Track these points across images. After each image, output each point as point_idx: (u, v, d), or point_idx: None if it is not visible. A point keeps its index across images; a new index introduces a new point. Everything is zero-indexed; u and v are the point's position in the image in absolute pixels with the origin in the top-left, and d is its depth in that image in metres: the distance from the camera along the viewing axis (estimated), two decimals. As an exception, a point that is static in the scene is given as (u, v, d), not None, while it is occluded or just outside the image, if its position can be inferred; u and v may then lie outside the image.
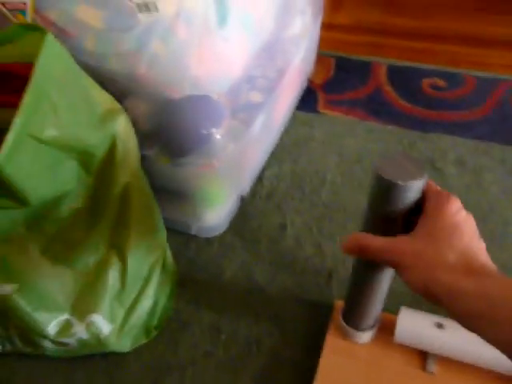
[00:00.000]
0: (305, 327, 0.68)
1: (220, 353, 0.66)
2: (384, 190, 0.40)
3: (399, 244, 0.39)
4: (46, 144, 0.47)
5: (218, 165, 0.71)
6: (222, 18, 0.55)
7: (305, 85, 1.14)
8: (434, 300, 0.35)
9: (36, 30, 0.47)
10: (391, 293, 0.71)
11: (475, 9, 1.68)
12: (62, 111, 0.47)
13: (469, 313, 0.33)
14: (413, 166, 0.40)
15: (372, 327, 0.62)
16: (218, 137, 0.67)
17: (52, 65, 0.45)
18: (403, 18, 1.62)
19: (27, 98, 0.43)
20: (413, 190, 0.40)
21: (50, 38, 0.45)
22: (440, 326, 0.60)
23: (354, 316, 0.61)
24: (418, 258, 0.36)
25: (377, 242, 0.40)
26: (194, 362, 0.66)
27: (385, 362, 0.62)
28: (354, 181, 0.90)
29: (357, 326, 0.61)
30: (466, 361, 0.60)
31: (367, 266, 0.52)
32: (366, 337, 0.63)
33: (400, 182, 0.39)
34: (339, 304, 0.66)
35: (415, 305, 0.70)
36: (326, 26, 1.57)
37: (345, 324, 0.62)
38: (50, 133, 0.47)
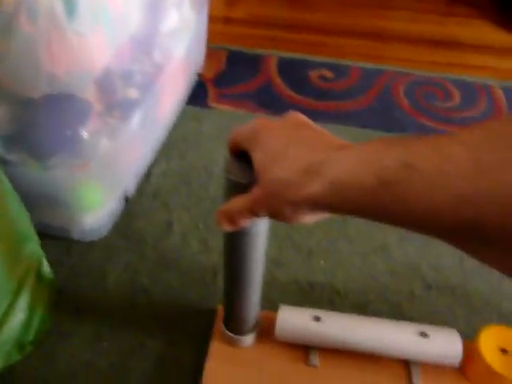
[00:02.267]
0: (191, 328, 0.67)
1: (102, 361, 0.64)
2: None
3: (257, 188, 0.37)
4: None
5: (92, 165, 0.68)
6: (71, 11, 0.52)
7: (194, 79, 1.12)
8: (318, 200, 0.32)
9: None
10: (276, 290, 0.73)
11: (365, 3, 1.75)
12: None
13: (337, 207, 0.30)
14: None
15: (253, 329, 0.62)
16: (85, 135, 0.64)
17: None
18: (297, 12, 1.65)
19: None
20: None
21: None
22: (317, 319, 0.61)
23: (232, 321, 0.61)
24: (266, 193, 0.35)
25: (236, 201, 0.39)
26: (73, 374, 0.62)
27: (269, 362, 0.63)
28: (242, 174, 0.90)
29: (237, 330, 0.61)
30: (346, 349, 0.62)
31: (234, 256, 0.51)
32: (248, 340, 0.63)
33: None
34: (221, 309, 0.66)
35: (302, 300, 0.72)
36: (223, 20, 1.57)
37: (226, 330, 0.62)
38: None
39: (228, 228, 0.41)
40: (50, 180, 0.68)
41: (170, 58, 0.88)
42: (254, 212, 0.37)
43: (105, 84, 0.69)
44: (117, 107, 0.74)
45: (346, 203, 0.29)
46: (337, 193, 0.29)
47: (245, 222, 0.40)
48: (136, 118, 0.77)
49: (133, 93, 0.77)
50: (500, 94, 1.20)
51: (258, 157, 0.36)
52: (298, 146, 0.34)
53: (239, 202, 0.38)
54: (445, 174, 0.22)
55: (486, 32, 1.59)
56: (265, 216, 0.38)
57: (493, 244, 0.22)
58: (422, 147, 0.25)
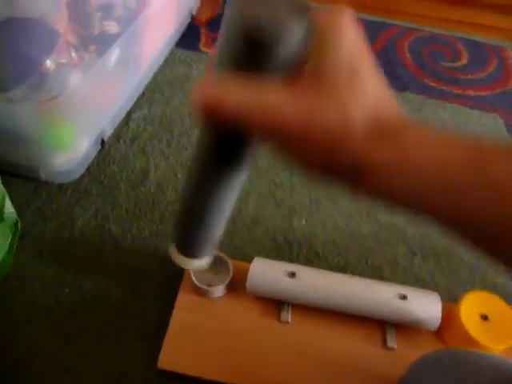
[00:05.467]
0: (159, 278, 0.64)
1: (62, 308, 0.61)
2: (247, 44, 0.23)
3: (277, 99, 0.23)
4: None
5: (61, 100, 0.63)
6: None
7: (187, 21, 1.05)
8: (337, 178, 0.25)
9: None
10: (254, 241, 0.69)
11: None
12: None
13: (393, 189, 0.23)
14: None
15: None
16: (52, 67, 0.58)
17: None
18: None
19: None
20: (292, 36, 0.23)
21: None
22: (292, 274, 0.58)
23: (187, 243, 0.44)
24: (311, 122, 0.23)
25: (240, 93, 0.23)
26: (30, 319, 0.60)
27: (239, 315, 0.60)
28: (228, 123, 0.85)
29: (187, 252, 0.44)
30: (321, 307, 0.59)
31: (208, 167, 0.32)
32: (218, 291, 0.59)
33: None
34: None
35: (278, 260, 0.68)
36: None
37: (195, 280, 0.58)
38: None
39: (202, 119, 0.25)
40: (14, 114, 0.64)
41: (156, -8, 0.81)
42: (256, 126, 0.23)
43: (80, 15, 0.63)
44: (93, 41, 0.68)
45: (411, 192, 0.23)
46: (408, 173, 0.22)
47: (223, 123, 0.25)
48: (114, 55, 0.71)
49: (112, 26, 0.71)
50: (511, 56, 1.13)
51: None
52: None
53: (244, 97, 0.23)
54: None
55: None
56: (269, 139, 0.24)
57: None
58: None
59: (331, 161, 0.23)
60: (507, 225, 0.21)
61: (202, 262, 0.47)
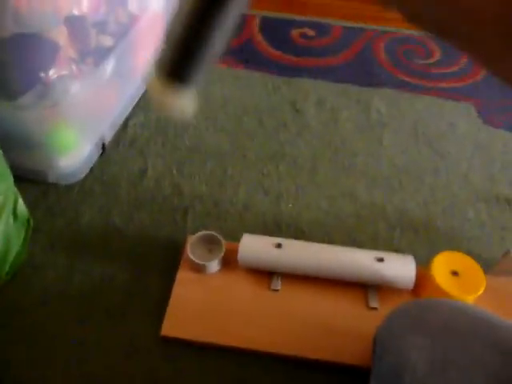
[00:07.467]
0: (159, 262, 0.71)
1: (73, 291, 0.67)
2: None
3: None
4: None
5: (63, 107, 0.71)
6: None
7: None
8: None
9: None
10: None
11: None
12: None
13: None
14: None
15: (216, 258, 0.64)
16: (54, 77, 0.66)
17: None
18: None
19: None
20: None
21: None
22: (279, 245, 0.65)
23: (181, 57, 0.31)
24: None
25: None
26: (45, 302, 0.66)
27: (233, 287, 0.66)
28: (217, 124, 0.92)
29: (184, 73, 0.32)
30: (307, 275, 0.65)
31: None
32: (213, 266, 0.66)
33: None
34: (190, 238, 0.69)
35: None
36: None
37: (192, 257, 0.65)
38: None
39: None
40: (21, 120, 0.71)
41: (145, 10, 0.89)
42: None
43: (78, 30, 0.71)
44: (90, 54, 0.76)
45: None
46: None
47: None
48: (110, 66, 0.79)
49: (107, 40, 0.79)
50: (481, 51, 1.21)
51: None
52: None
53: None
54: None
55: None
56: None
57: None
58: None
59: None
60: None
61: (186, 101, 0.33)
